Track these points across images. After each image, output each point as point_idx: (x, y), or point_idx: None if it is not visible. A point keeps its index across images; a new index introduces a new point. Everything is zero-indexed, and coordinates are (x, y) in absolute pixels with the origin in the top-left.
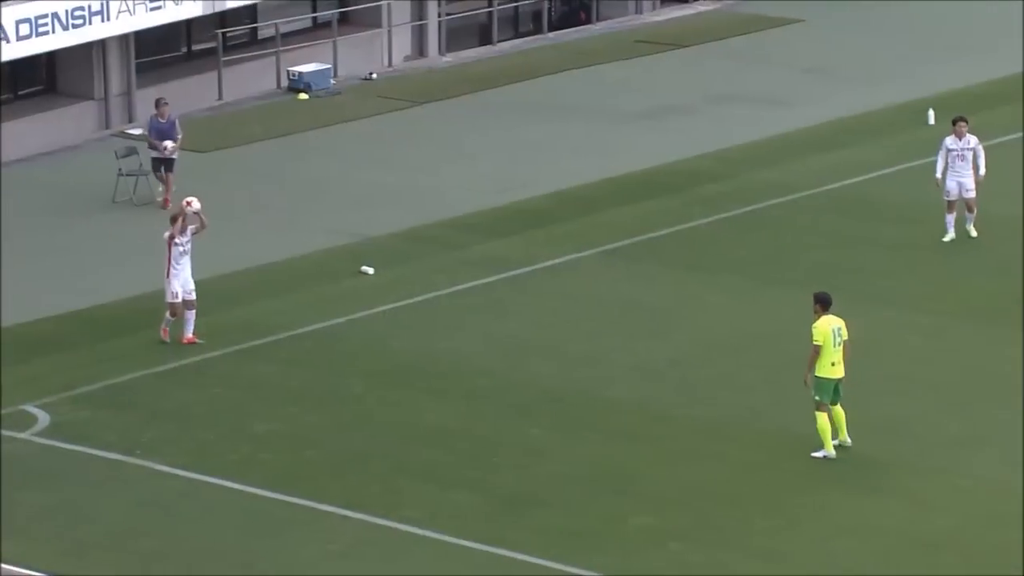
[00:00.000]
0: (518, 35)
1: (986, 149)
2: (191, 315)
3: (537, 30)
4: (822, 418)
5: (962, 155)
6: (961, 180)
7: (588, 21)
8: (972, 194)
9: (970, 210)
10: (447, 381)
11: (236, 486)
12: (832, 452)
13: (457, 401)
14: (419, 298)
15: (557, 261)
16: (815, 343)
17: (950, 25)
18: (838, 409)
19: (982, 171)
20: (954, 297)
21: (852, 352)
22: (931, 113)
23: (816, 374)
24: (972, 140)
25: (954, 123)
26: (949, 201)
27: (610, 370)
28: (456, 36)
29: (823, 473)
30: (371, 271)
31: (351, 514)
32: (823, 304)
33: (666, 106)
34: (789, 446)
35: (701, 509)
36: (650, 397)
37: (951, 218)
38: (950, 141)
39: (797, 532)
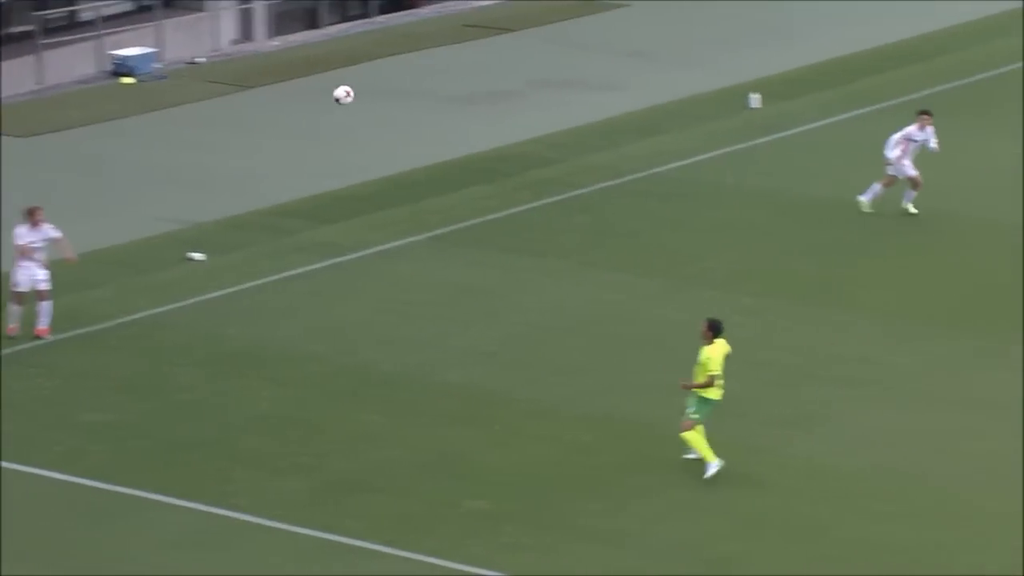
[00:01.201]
0: (346, 19)
1: (804, 134)
2: (44, 306)
3: (365, 14)
4: (697, 435)
5: (921, 145)
6: (909, 165)
7: (416, 5)
8: (916, 172)
9: (916, 186)
10: (278, 368)
11: (62, 477)
12: (721, 461)
13: (288, 388)
14: (249, 284)
15: (387, 246)
16: (711, 373)
17: (771, 10)
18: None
19: (937, 147)
20: (774, 277)
21: (676, 332)
22: (752, 97)
23: (708, 396)
24: (930, 130)
25: (920, 115)
26: (892, 176)
27: (441, 354)
28: (283, 20)
29: (652, 454)
30: (200, 257)
31: (182, 503)
32: (715, 331)
33: (494, 91)
34: (619, 427)
35: (533, 491)
36: (481, 381)
37: (880, 189)
38: (914, 131)
39: (628, 512)
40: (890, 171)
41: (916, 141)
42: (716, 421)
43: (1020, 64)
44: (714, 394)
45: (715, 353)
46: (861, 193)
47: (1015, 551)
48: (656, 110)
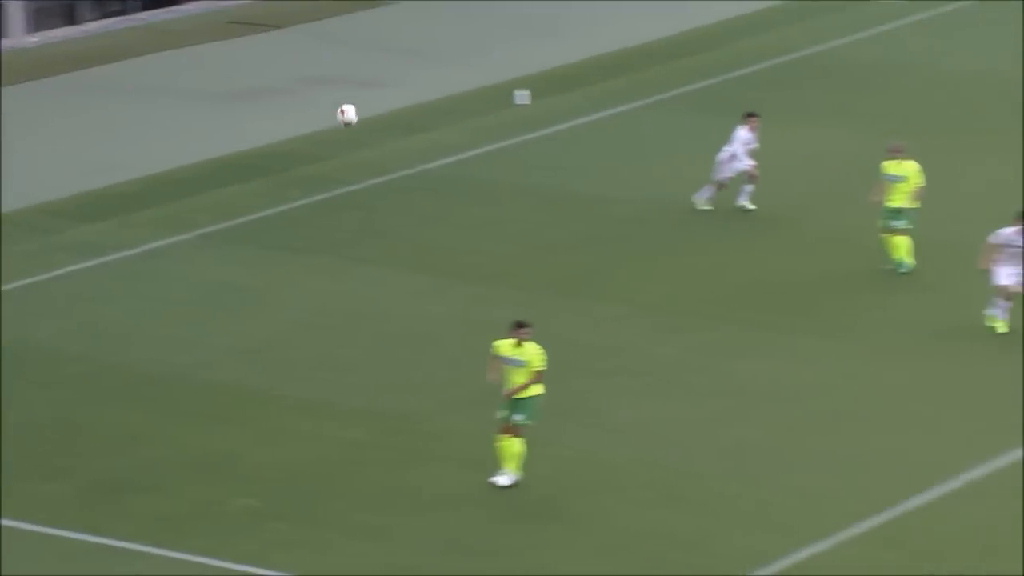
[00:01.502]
0: (106, 15)
1: (571, 130)
2: None
3: (124, 10)
4: (522, 446)
5: (752, 145)
6: (745, 164)
7: (179, 1)
8: (727, 177)
9: (752, 180)
10: (41, 370)
11: None
12: (517, 480)
13: (51, 389)
14: (10, 285)
15: (154, 245)
16: (538, 369)
17: (538, 7)
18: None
19: (756, 148)
20: (541, 272)
21: (439, 328)
22: (520, 94)
23: (535, 394)
24: (755, 133)
25: (748, 117)
26: (729, 179)
27: (208, 353)
28: (41, 16)
29: (424, 448)
30: None
31: None
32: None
33: (261, 88)
34: (387, 423)
35: (302, 488)
36: (249, 378)
37: (749, 188)
38: (746, 135)
39: (398, 507)
40: (746, 166)
41: (748, 144)
42: (484, 413)
43: (774, 61)
44: (539, 389)
45: (536, 349)
46: (740, 198)
47: (773, 537)
48: (424, 107)
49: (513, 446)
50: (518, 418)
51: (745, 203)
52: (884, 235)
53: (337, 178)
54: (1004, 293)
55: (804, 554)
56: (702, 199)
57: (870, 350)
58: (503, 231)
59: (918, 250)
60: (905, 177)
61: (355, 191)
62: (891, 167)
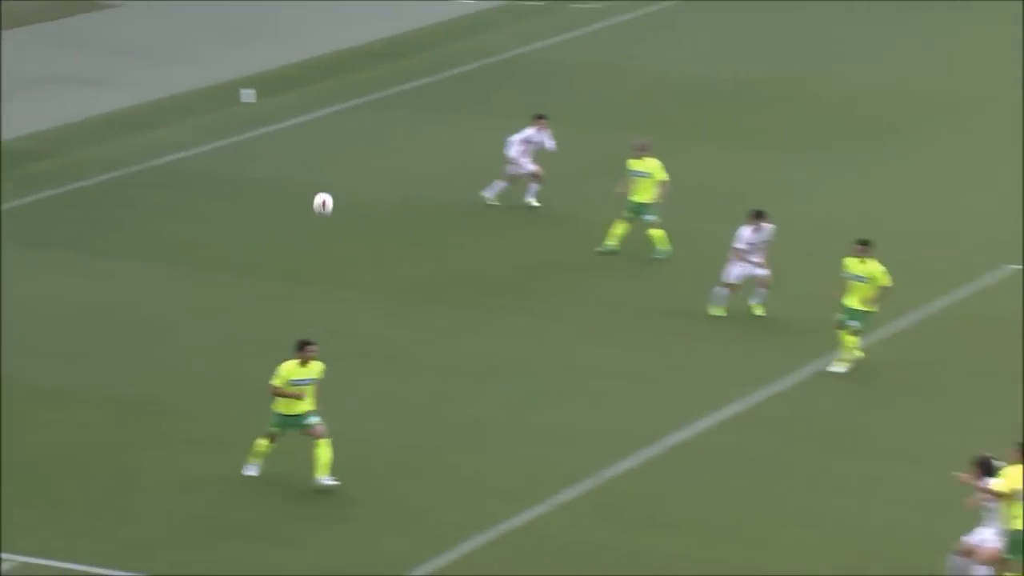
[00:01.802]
0: None
1: (295, 127)
2: None
3: None
4: (328, 443)
5: (538, 145)
6: (528, 162)
7: None
8: (535, 167)
9: (538, 180)
10: None
11: None
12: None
13: None
14: None
15: None
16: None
17: (261, 8)
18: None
19: (554, 146)
20: (272, 262)
21: (176, 316)
22: (245, 92)
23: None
24: (546, 133)
25: (536, 119)
26: (513, 175)
27: None
28: None
29: (163, 431)
30: None
31: None
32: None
33: None
34: (127, 407)
35: (46, 473)
36: None
37: (503, 185)
38: (533, 133)
39: (139, 488)
40: (510, 170)
41: (534, 143)
42: (241, 401)
43: (487, 61)
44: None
45: (321, 366)
46: (484, 189)
47: (495, 503)
48: (151, 105)
49: (320, 447)
50: (314, 420)
51: (489, 195)
52: (618, 221)
53: (67, 174)
54: (752, 282)
55: (524, 518)
56: (530, 196)
57: (583, 329)
58: (234, 223)
59: (632, 236)
60: (649, 173)
61: (86, 187)
62: (635, 164)
